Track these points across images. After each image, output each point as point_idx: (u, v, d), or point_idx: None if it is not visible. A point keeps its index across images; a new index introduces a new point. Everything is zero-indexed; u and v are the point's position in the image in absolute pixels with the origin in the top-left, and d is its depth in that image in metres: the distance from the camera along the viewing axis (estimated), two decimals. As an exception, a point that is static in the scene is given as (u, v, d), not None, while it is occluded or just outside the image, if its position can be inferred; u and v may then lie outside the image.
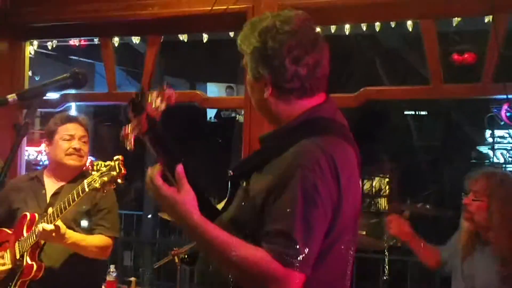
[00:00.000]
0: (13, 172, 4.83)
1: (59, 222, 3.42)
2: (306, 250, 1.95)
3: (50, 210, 3.56)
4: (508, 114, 3.59)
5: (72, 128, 3.78)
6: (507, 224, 3.32)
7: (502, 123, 3.74)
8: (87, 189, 3.33)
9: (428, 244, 3.81)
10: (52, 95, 5.46)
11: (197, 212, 1.99)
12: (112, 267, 4.20)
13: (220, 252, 1.97)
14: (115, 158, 3.30)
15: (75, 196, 3.37)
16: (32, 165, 10.16)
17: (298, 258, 1.94)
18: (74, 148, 3.74)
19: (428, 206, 5.26)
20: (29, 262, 3.56)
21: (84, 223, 3.52)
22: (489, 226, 3.41)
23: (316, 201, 1.99)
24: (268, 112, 2.25)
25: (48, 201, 3.76)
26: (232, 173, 2.26)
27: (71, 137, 3.75)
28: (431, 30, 4.20)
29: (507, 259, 3.32)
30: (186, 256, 2.90)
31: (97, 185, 3.28)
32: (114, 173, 3.27)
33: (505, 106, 3.62)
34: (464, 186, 3.59)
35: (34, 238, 3.51)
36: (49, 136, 3.81)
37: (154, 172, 2.06)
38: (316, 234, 2.00)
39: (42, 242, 3.57)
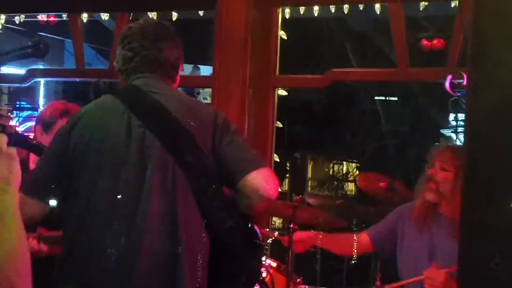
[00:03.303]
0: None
1: None
2: (29, 177, 2.47)
3: None
4: (452, 84, 3.64)
5: None
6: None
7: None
8: None
9: (338, 234, 3.85)
10: (19, 71, 5.42)
11: None
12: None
13: None
14: None
15: None
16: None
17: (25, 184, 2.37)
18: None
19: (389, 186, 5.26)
20: None
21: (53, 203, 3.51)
22: (452, 197, 3.42)
23: (51, 142, 2.59)
24: None
25: None
26: None
27: None
28: (398, 13, 4.24)
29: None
30: None
31: None
32: None
33: (449, 77, 3.65)
34: (427, 158, 3.60)
35: None
36: (44, 126, 3.80)
37: None
38: (43, 164, 2.55)
39: None
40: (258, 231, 2.59)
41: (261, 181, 2.45)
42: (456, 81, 3.49)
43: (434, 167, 3.49)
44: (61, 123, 3.79)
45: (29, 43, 1.85)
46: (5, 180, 1.69)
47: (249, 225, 2.56)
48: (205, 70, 13.71)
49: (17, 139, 2.71)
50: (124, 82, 2.67)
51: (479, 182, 1.68)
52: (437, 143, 12.92)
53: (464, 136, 1.74)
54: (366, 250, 3.78)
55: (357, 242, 3.72)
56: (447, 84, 3.60)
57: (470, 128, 1.63)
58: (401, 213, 3.70)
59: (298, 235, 3.69)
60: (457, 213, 3.31)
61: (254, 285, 2.81)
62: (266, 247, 4.08)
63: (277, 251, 4.35)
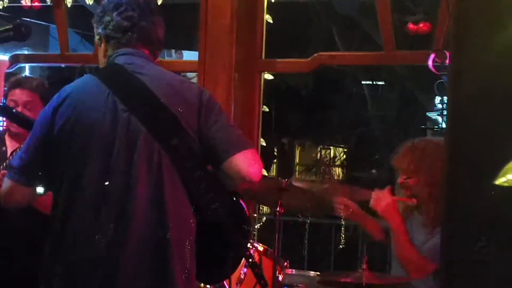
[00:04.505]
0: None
1: None
2: (17, 164, 2.52)
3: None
4: (435, 63, 3.64)
5: (16, 94, 3.73)
6: (435, 193, 3.30)
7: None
8: None
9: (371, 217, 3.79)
10: (3, 57, 5.38)
11: None
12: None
13: None
14: None
15: None
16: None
17: (13, 171, 2.53)
18: None
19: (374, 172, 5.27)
20: None
21: (40, 189, 3.49)
22: (427, 195, 3.43)
23: (35, 125, 2.54)
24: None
25: (8, 157, 3.75)
26: None
27: (15, 104, 3.71)
28: (384, -4, 4.24)
29: (433, 227, 3.36)
30: None
31: None
32: None
33: (432, 56, 3.63)
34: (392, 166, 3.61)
35: None
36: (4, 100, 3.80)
37: None
38: (29, 148, 2.51)
39: None
40: (243, 205, 2.59)
41: (245, 164, 2.45)
42: (439, 61, 3.48)
43: (400, 177, 3.51)
44: (9, 96, 3.76)
45: (11, 26, 1.82)
46: None
47: (234, 199, 2.56)
48: (190, 55, 13.65)
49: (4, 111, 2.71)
50: (105, 49, 2.61)
51: (463, 166, 1.68)
52: (423, 126, 13.01)
53: (446, 119, 1.73)
54: (382, 238, 3.76)
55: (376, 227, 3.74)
56: (430, 62, 3.60)
57: (452, 111, 1.63)
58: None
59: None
60: (429, 210, 3.37)
61: (241, 260, 2.81)
62: (254, 232, 4.08)
63: (265, 236, 4.36)
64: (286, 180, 3.63)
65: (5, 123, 4.02)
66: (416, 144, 3.58)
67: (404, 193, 3.54)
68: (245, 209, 2.62)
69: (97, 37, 2.64)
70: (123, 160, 2.37)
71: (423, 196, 3.45)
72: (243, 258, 2.83)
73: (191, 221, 2.44)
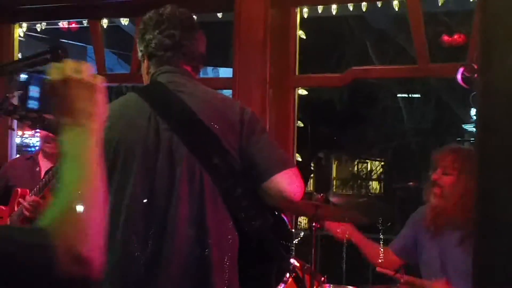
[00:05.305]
0: (4, 152, 4.84)
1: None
2: None
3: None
4: (464, 77, 3.60)
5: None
6: (470, 198, 3.11)
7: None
8: None
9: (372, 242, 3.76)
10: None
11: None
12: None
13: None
14: None
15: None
16: (24, 147, 10.13)
17: None
18: (51, 137, 3.82)
19: (418, 185, 5.21)
20: None
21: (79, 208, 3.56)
22: (457, 201, 3.32)
23: None
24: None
25: (42, 177, 3.84)
26: None
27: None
28: (416, 9, 4.23)
29: (465, 233, 3.22)
30: None
31: None
32: None
33: (461, 70, 3.58)
34: (431, 162, 3.54)
35: (22, 211, 3.58)
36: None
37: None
38: None
39: (30, 215, 3.60)
40: (285, 219, 2.59)
41: (286, 183, 2.44)
42: (468, 74, 3.45)
43: (436, 172, 3.43)
44: None
45: (48, 49, 1.86)
46: (86, 115, 1.49)
47: (276, 214, 2.56)
48: (226, 72, 13.74)
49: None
50: (148, 66, 2.61)
51: (493, 176, 1.67)
52: (459, 139, 12.88)
53: (475, 131, 1.72)
54: (395, 265, 3.69)
55: (384, 257, 3.69)
56: (458, 76, 3.57)
57: (481, 123, 1.62)
58: (416, 220, 3.63)
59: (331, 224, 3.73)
60: (463, 218, 3.29)
61: (285, 274, 2.81)
62: (292, 247, 4.07)
63: (303, 251, 4.34)
64: (322, 194, 3.63)
65: (40, 144, 4.12)
66: (462, 147, 3.55)
67: (432, 192, 3.46)
68: (287, 223, 2.62)
69: (140, 54, 2.65)
70: (165, 179, 2.38)
71: (452, 200, 3.37)
72: (286, 272, 2.83)
73: (233, 237, 2.44)
